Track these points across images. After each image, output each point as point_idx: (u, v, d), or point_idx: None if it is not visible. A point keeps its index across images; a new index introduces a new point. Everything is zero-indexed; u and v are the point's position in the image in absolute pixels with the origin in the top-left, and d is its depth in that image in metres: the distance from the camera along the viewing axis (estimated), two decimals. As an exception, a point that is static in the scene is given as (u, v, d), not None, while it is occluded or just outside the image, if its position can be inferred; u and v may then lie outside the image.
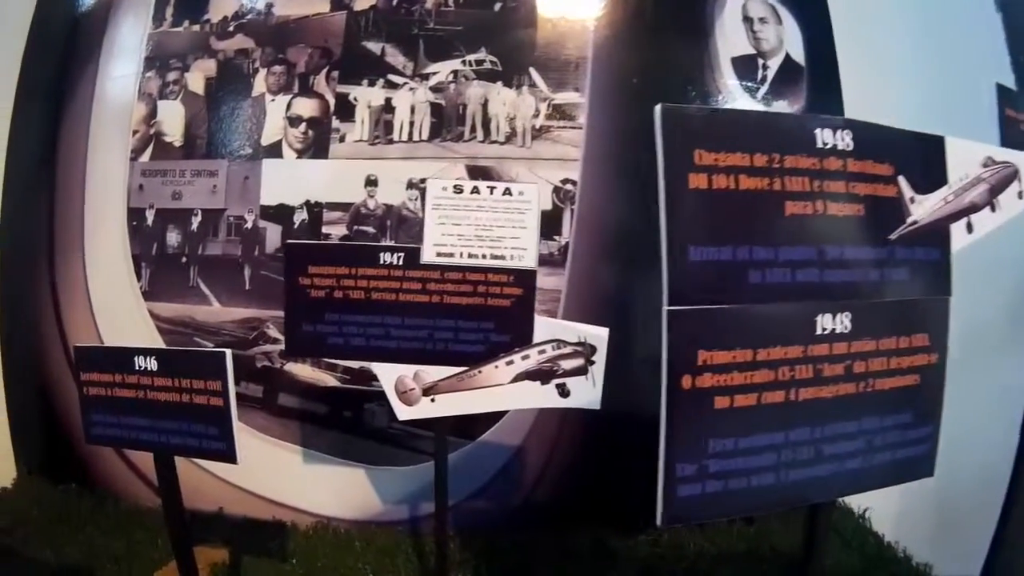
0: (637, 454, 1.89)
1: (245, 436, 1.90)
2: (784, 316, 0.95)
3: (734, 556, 1.84)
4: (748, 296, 0.91)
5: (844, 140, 1.02)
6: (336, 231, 1.85)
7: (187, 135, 1.99)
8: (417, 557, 1.82)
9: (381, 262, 1.31)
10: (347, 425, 1.89)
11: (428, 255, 1.30)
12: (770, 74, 1.97)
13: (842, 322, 1.01)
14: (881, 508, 2.00)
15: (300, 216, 1.87)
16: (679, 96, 1.89)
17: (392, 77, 1.86)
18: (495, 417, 1.86)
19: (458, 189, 1.31)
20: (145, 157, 2.03)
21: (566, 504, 1.91)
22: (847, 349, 1.01)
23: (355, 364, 1.85)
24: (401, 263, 1.31)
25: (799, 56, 2.02)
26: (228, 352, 1.17)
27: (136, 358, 1.24)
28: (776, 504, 1.02)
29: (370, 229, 1.82)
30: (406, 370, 1.34)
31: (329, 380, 1.89)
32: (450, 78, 1.85)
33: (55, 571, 1.84)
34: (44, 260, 2.14)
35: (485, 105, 1.84)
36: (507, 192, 1.30)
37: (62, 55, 2.17)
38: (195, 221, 1.96)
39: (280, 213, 1.88)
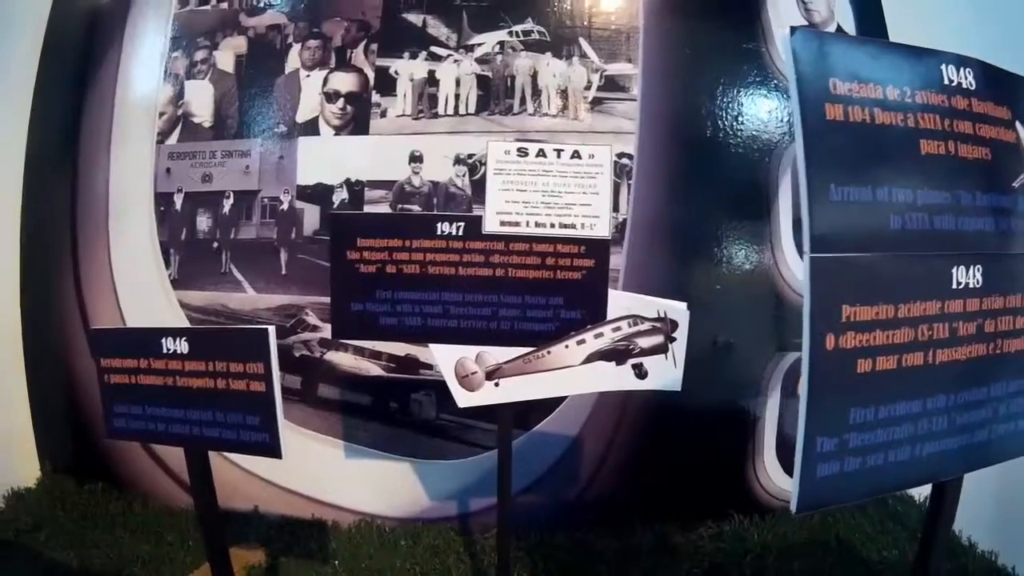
0: (698, 445, 1.81)
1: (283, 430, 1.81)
2: (922, 268, 0.86)
3: (799, 548, 1.74)
4: (888, 244, 0.83)
5: (967, 78, 0.93)
6: (379, 210, 1.75)
7: (217, 115, 1.90)
8: (469, 556, 1.71)
9: (438, 232, 1.20)
10: (392, 417, 1.79)
11: (491, 224, 1.20)
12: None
13: (974, 276, 0.92)
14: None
15: (340, 195, 1.77)
16: (732, 66, 1.81)
17: (435, 49, 1.77)
18: (551, 405, 1.76)
19: (523, 152, 1.22)
20: (172, 139, 1.94)
21: (624, 498, 1.81)
22: (979, 306, 0.92)
23: (400, 351, 1.75)
24: (461, 233, 1.20)
25: (850, 28, 1.95)
26: (271, 329, 1.04)
27: (164, 340, 1.10)
28: (909, 482, 0.93)
29: (415, 207, 1.73)
30: (467, 352, 1.23)
31: (373, 369, 1.78)
32: (496, 49, 1.77)
33: (80, 573, 1.73)
34: (67, 250, 2.04)
35: (534, 77, 1.75)
36: (576, 155, 1.21)
37: (83, 39, 2.09)
38: (227, 204, 1.86)
39: (318, 193, 1.79)
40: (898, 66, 0.86)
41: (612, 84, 1.78)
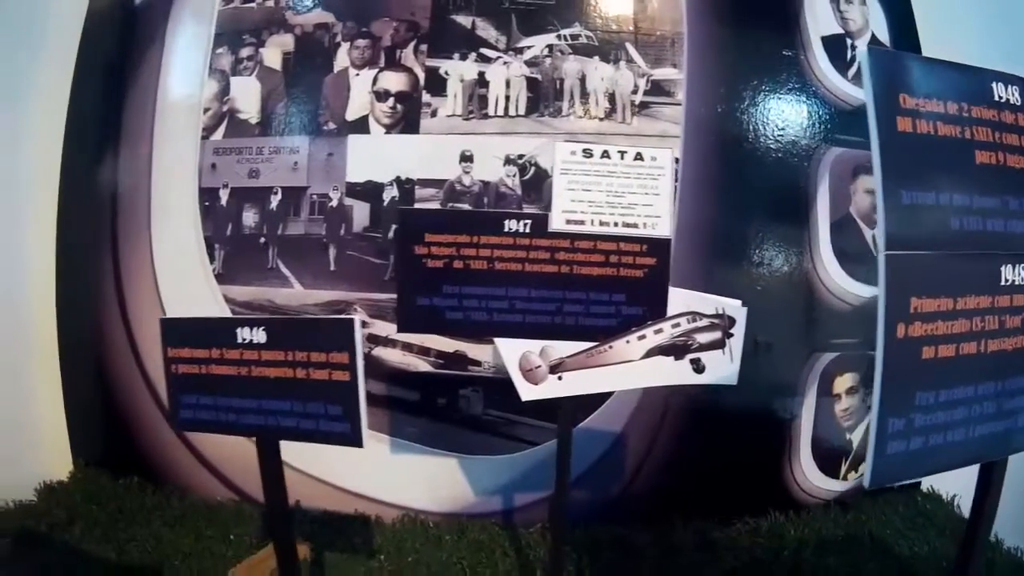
0: (736, 443, 1.94)
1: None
2: (976, 265, 1.01)
3: (833, 543, 1.88)
4: (948, 243, 0.97)
5: (1014, 95, 1.08)
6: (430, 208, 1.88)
7: (264, 111, 2.01)
8: (514, 550, 1.83)
9: (506, 229, 1.31)
10: (439, 413, 1.90)
11: (557, 222, 1.32)
12: (858, 53, 2.05)
13: (1019, 273, 1.06)
14: (968, 496, 2.05)
15: (390, 193, 1.89)
16: (772, 73, 1.96)
17: (484, 51, 1.91)
18: (596, 402, 1.89)
19: (588, 153, 1.34)
20: (218, 135, 2.05)
21: (665, 495, 1.94)
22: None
23: (449, 348, 1.87)
24: (528, 230, 1.31)
25: (884, 36, 2.11)
26: (356, 319, 1.10)
27: (239, 329, 1.13)
28: (962, 461, 1.07)
29: (466, 206, 1.86)
30: (531, 346, 1.35)
31: (421, 365, 1.90)
32: (545, 52, 1.90)
33: (119, 568, 1.82)
34: (106, 244, 2.14)
35: (583, 80, 1.89)
36: (639, 157, 1.34)
37: (123, 33, 2.19)
38: (274, 200, 1.98)
39: (368, 190, 1.91)
40: (955, 83, 1.01)
41: (658, 89, 1.92)
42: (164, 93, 2.11)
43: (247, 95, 2.03)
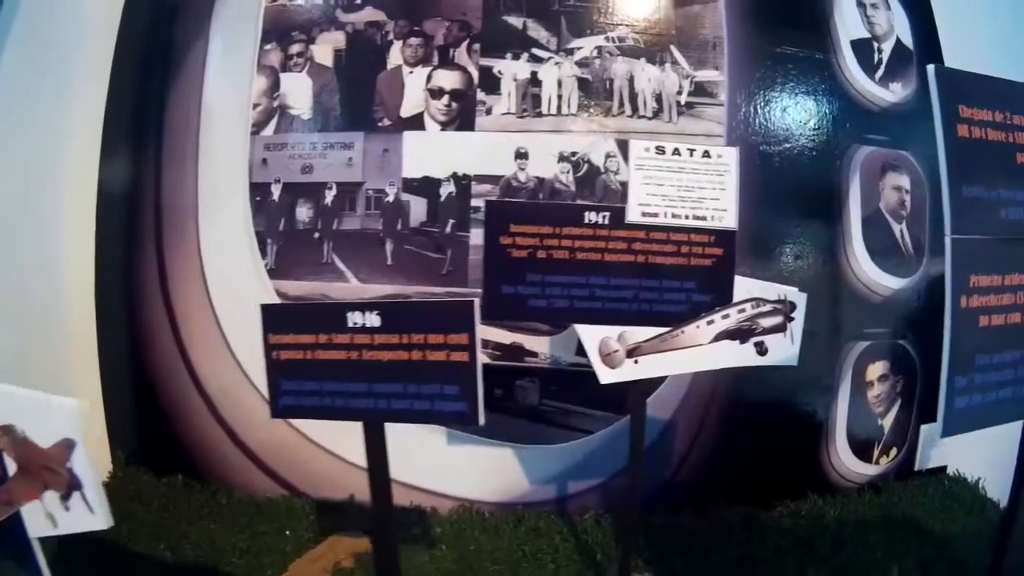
0: (777, 429, 2.15)
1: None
2: (1019, 249, 1.23)
3: (872, 523, 2.10)
4: (998, 229, 1.19)
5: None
6: (485, 204, 2.05)
7: (316, 107, 2.16)
8: (573, 536, 2.00)
9: (586, 221, 1.49)
10: (496, 404, 2.06)
11: (633, 214, 1.50)
12: (885, 56, 2.30)
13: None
14: (992, 478, 2.31)
15: (447, 189, 2.06)
16: (806, 75, 2.19)
17: (536, 51, 2.09)
18: (648, 391, 2.07)
19: (660, 150, 1.53)
20: (268, 131, 2.19)
21: (710, 480, 2.13)
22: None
23: (507, 340, 2.04)
24: (606, 222, 1.49)
25: (908, 41, 2.36)
26: (475, 301, 1.20)
27: (350, 314, 1.19)
28: (1011, 416, 1.28)
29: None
30: (610, 332, 1.53)
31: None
32: (594, 53, 2.10)
33: (175, 567, 1.93)
34: (150, 241, 2.25)
35: (631, 81, 2.09)
36: (706, 154, 1.54)
37: (164, 27, 2.32)
38: (329, 195, 2.12)
39: (425, 186, 2.07)
40: (1001, 95, 1.23)
41: (701, 90, 2.13)
42: (210, 89, 2.25)
43: (298, 91, 2.18)
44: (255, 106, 2.20)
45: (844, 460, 2.25)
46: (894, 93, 2.27)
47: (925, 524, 2.07)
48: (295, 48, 2.20)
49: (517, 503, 2.10)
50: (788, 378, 2.15)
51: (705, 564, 1.84)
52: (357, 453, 2.15)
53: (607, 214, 1.50)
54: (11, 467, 1.15)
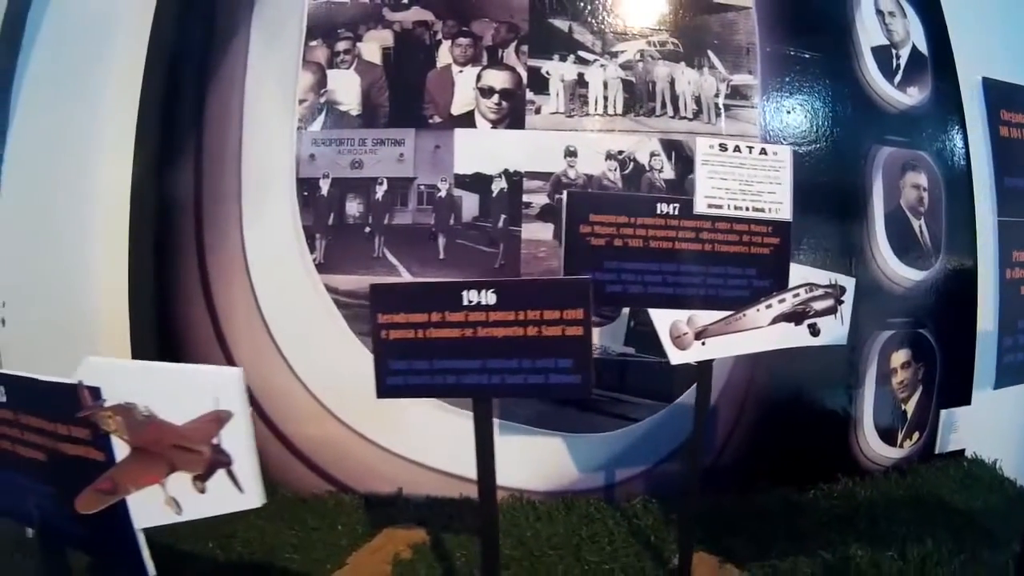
0: (810, 415, 2.38)
1: (430, 409, 2.22)
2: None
3: (901, 501, 2.35)
4: None
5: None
6: (537, 199, 2.23)
7: (366, 104, 2.31)
8: (625, 521, 2.18)
9: (658, 212, 1.69)
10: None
11: (700, 206, 1.71)
12: (902, 62, 2.59)
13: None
14: (1008, 460, 2.60)
15: (499, 185, 2.23)
16: (838, 78, 2.45)
17: (582, 53, 2.29)
18: (690, 379, 2.28)
19: (723, 147, 1.75)
20: (316, 126, 2.32)
21: (749, 465, 2.35)
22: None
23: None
24: (677, 213, 1.70)
25: (922, 46, 2.65)
26: (590, 278, 1.36)
27: (465, 292, 1.31)
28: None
29: (571, 198, 2.22)
30: (679, 315, 1.73)
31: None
32: (637, 57, 2.31)
33: (229, 565, 2.03)
34: (189, 238, 2.36)
35: (672, 83, 2.31)
36: (763, 152, 1.76)
37: (202, 21, 2.43)
38: (380, 190, 2.27)
39: (477, 182, 2.24)
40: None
41: (736, 93, 2.37)
42: (252, 86, 2.37)
43: (347, 88, 2.32)
44: (301, 102, 2.34)
45: (872, 444, 2.50)
46: (911, 97, 2.55)
47: (950, 501, 2.32)
48: (342, 45, 2.35)
49: (565, 491, 2.28)
50: (819, 367, 2.41)
51: (755, 541, 2.05)
52: (405, 446, 2.33)
53: (677, 205, 1.70)
54: (122, 451, 1.15)
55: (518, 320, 1.34)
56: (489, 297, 1.33)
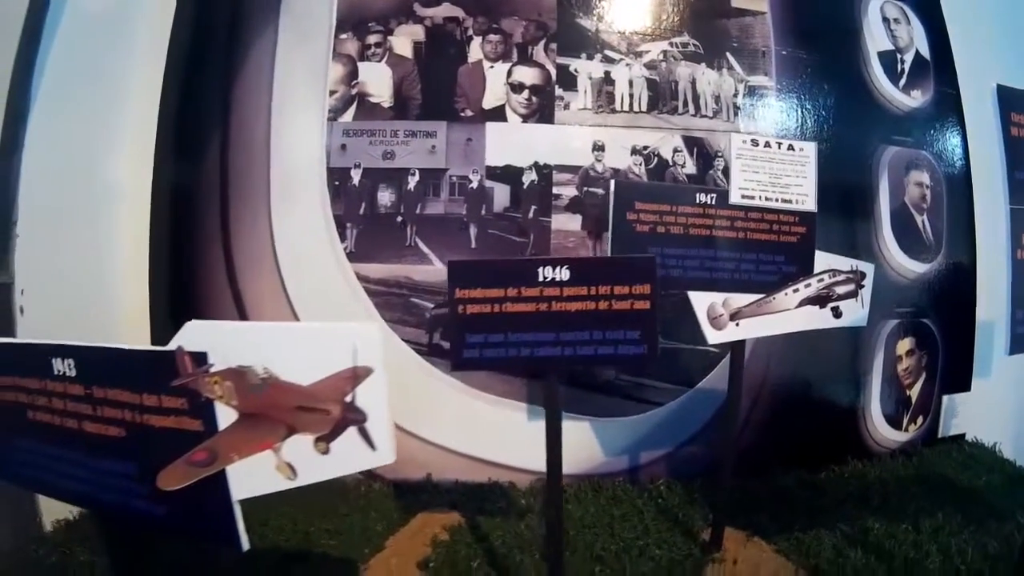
0: (822, 400, 2.62)
1: (457, 395, 2.39)
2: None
3: (910, 480, 2.60)
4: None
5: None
6: (566, 192, 2.43)
7: (397, 96, 2.48)
8: (653, 502, 2.37)
9: (697, 201, 1.90)
10: (574, 378, 2.42)
11: (735, 196, 1.93)
12: (906, 67, 2.87)
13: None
14: (1006, 443, 2.88)
15: (529, 177, 2.42)
16: (847, 81, 2.72)
17: (608, 52, 2.50)
18: (709, 365, 2.50)
19: (754, 143, 1.97)
20: (347, 117, 2.48)
21: (764, 448, 2.57)
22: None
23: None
24: (714, 203, 1.91)
25: (925, 50, 2.94)
26: (656, 256, 1.57)
27: (541, 269, 1.46)
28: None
29: (599, 191, 2.42)
30: (716, 298, 1.94)
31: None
32: (660, 57, 2.53)
33: (266, 553, 2.16)
34: (215, 229, 2.48)
35: (693, 83, 2.53)
36: (790, 147, 1.99)
37: (229, 13, 2.58)
38: (412, 180, 2.44)
39: (508, 174, 2.43)
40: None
41: (753, 93, 2.61)
42: (281, 77, 2.52)
43: (378, 80, 2.49)
44: (332, 93, 2.49)
45: (879, 428, 2.76)
46: (914, 99, 2.84)
47: (955, 480, 2.59)
48: (373, 38, 2.52)
49: (592, 475, 2.47)
50: (830, 354, 2.66)
51: (777, 517, 2.26)
52: (433, 432, 2.49)
53: (714, 195, 1.92)
54: (227, 418, 1.10)
55: (590, 295, 1.51)
56: (563, 273, 1.50)
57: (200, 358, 1.07)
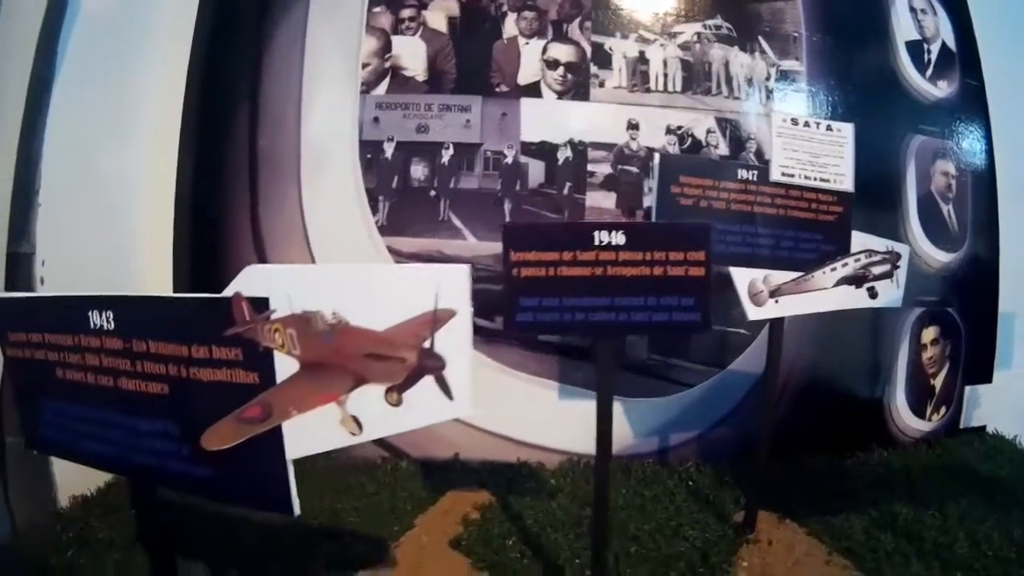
0: (848, 388, 2.70)
1: (486, 372, 2.44)
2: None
3: (932, 468, 2.68)
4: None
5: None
6: (600, 169, 2.49)
7: (432, 70, 2.53)
8: (684, 484, 2.43)
9: (739, 177, 1.98)
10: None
11: (775, 174, 2.01)
12: (933, 57, 2.98)
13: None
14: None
15: (564, 153, 2.49)
16: (875, 69, 2.82)
17: (643, 32, 2.58)
18: (740, 347, 2.57)
19: (794, 122, 2.05)
20: (379, 90, 2.53)
21: (792, 433, 2.64)
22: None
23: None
24: (755, 179, 1.98)
25: (951, 41, 3.05)
26: (711, 224, 1.58)
27: (597, 233, 1.47)
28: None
29: (634, 169, 2.49)
30: (757, 274, 2.01)
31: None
32: (694, 39, 2.62)
33: (297, 528, 2.18)
34: (243, 202, 2.52)
35: (727, 65, 2.62)
36: (828, 128, 2.07)
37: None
38: (446, 155, 2.49)
39: (543, 150, 2.49)
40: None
41: (785, 77, 2.70)
42: (312, 49, 2.57)
43: (412, 54, 2.54)
44: (365, 66, 2.55)
45: (903, 416, 2.84)
46: (941, 89, 2.94)
47: (978, 469, 2.67)
48: (407, 12, 2.58)
49: (621, 455, 2.52)
50: (859, 341, 2.74)
51: (807, 500, 2.33)
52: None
53: (756, 172, 1.98)
54: (287, 369, 1.05)
55: (645, 260, 1.54)
56: (619, 238, 1.52)
57: (260, 304, 1.00)
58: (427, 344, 1.14)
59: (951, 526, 2.17)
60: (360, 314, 1.14)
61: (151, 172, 2.56)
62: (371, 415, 1.15)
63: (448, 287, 1.18)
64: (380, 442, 2.54)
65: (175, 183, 2.57)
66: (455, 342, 1.17)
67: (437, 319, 1.15)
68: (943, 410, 2.95)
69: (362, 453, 2.52)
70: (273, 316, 1.04)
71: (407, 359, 1.12)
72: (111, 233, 2.53)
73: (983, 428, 3.00)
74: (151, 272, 2.56)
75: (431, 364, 1.14)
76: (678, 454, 2.56)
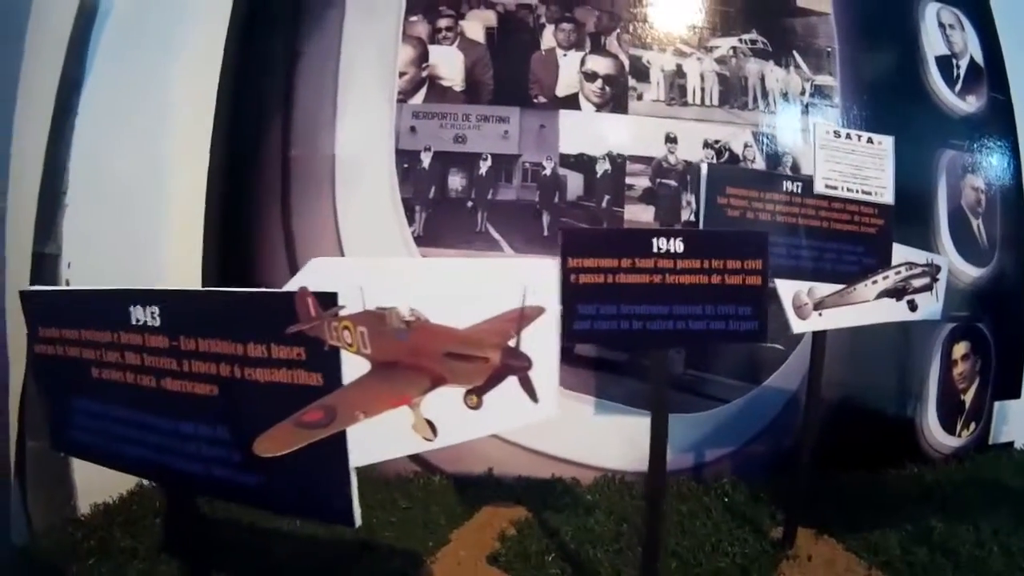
0: (881, 404, 2.80)
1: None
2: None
3: (964, 483, 2.78)
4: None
5: None
6: (638, 182, 2.58)
7: (469, 80, 2.61)
8: (719, 500, 2.50)
9: (784, 189, 2.07)
10: (639, 373, 2.56)
11: (819, 186, 2.10)
12: (962, 72, 3.10)
13: None
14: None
15: (603, 166, 2.57)
16: (906, 85, 2.93)
17: (680, 46, 2.68)
18: (775, 364, 2.66)
19: (836, 134, 2.15)
20: (417, 99, 2.61)
21: (826, 448, 2.73)
22: None
23: (656, 309, 2.56)
24: (800, 191, 2.07)
25: (979, 56, 3.18)
26: (767, 233, 1.67)
27: (655, 239, 1.51)
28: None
29: (672, 183, 2.58)
30: (801, 286, 2.10)
31: (629, 325, 2.56)
32: (730, 52, 2.72)
33: (328, 543, 2.23)
34: (274, 209, 2.58)
35: (762, 79, 2.72)
36: (870, 140, 2.17)
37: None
38: (484, 166, 2.57)
39: (581, 162, 2.57)
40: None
41: (819, 92, 2.81)
42: (348, 58, 2.64)
43: (450, 63, 2.62)
44: (401, 75, 2.62)
45: (934, 432, 2.95)
46: (969, 104, 3.07)
47: (1009, 485, 2.78)
48: (444, 22, 2.66)
49: (658, 471, 2.59)
50: (890, 356, 2.84)
51: (842, 515, 2.41)
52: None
53: (800, 184, 2.08)
54: (355, 370, 0.99)
55: (703, 268, 1.58)
56: (677, 245, 1.57)
57: (328, 299, 0.95)
58: (512, 343, 1.11)
59: (985, 540, 2.26)
60: (439, 311, 1.11)
61: (179, 178, 2.62)
62: (447, 419, 1.12)
63: (536, 283, 1.16)
64: (413, 456, 2.59)
65: (205, 191, 2.62)
66: (542, 341, 1.15)
67: (524, 316, 1.12)
68: (973, 426, 3.06)
69: (394, 467, 2.58)
70: (342, 312, 0.99)
71: (491, 359, 1.09)
72: (137, 237, 2.58)
73: (1011, 444, 3.11)
74: (177, 278, 2.61)
75: (516, 364, 1.11)
76: (712, 470, 2.64)
